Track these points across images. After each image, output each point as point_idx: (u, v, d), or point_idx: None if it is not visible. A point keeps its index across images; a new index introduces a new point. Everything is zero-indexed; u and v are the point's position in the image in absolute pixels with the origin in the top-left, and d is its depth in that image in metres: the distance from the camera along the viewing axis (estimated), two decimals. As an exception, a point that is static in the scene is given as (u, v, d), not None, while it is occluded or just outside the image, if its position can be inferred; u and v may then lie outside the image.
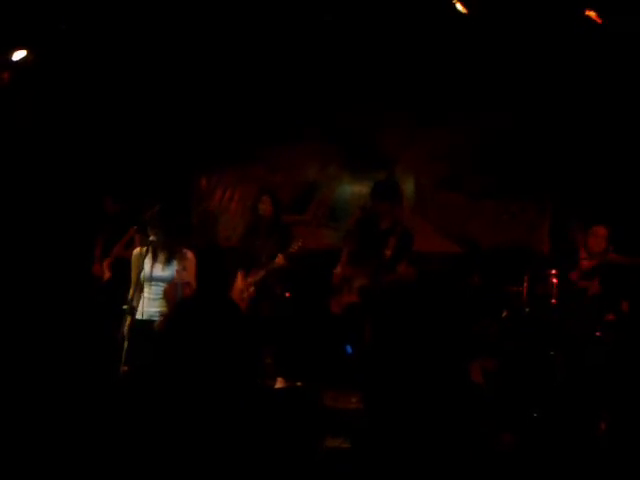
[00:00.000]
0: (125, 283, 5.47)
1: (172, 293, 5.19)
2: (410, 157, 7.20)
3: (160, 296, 5.26)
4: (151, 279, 5.26)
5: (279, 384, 5.89)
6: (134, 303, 5.25)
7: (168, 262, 5.28)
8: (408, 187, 7.04)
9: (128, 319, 5.19)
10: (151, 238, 5.28)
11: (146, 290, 5.28)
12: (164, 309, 5.23)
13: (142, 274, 5.22)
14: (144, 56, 6.76)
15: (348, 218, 6.78)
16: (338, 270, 5.86)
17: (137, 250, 5.38)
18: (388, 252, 5.67)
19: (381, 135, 7.24)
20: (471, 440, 4.98)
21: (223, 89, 7.10)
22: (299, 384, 5.85)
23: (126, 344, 5.05)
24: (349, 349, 5.72)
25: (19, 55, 6.48)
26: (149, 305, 5.25)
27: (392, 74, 6.82)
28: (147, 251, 5.27)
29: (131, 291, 5.28)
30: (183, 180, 7.39)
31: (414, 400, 5.24)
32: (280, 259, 5.99)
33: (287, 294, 6.26)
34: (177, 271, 5.25)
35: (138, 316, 5.21)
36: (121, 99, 7.02)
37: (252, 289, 6.08)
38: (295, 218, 7.07)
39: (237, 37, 6.53)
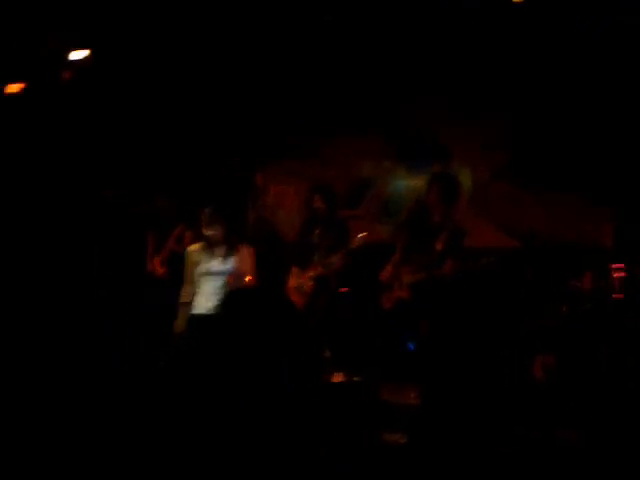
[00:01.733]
0: (179, 278, 5.52)
1: (235, 284, 5.24)
2: (466, 150, 7.09)
3: (219, 290, 5.28)
4: (209, 273, 5.28)
5: (337, 379, 5.88)
6: (190, 298, 5.30)
7: (226, 256, 5.30)
8: (465, 181, 6.79)
9: (183, 314, 5.24)
10: (209, 233, 5.32)
11: (205, 285, 5.30)
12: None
13: (199, 269, 5.26)
14: (197, 53, 6.80)
15: (401, 213, 6.66)
16: (389, 266, 5.80)
17: (192, 246, 5.41)
18: (439, 246, 5.59)
19: (437, 128, 7.15)
20: (530, 436, 4.96)
21: (276, 84, 7.10)
22: (357, 379, 5.82)
23: (180, 339, 5.15)
24: (411, 346, 5.67)
25: (79, 55, 6.55)
26: (208, 299, 5.27)
27: (445, 65, 6.77)
28: (204, 247, 5.32)
29: (186, 287, 5.32)
30: (239, 175, 7.37)
31: (472, 395, 5.26)
32: (342, 254, 5.96)
33: (343, 289, 6.23)
34: (236, 263, 5.29)
35: (197, 310, 5.26)
36: (176, 95, 7.06)
37: (310, 284, 6.04)
38: (348, 213, 6.98)
39: (292, 28, 6.55)
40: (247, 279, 5.22)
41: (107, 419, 4.78)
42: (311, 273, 6.08)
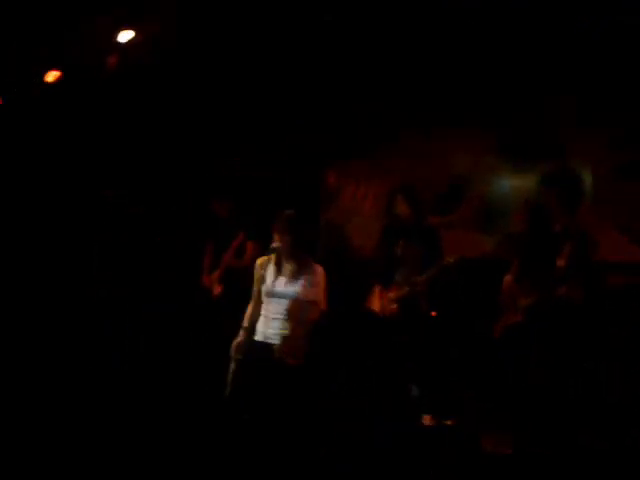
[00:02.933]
0: (237, 297, 5.13)
1: (297, 312, 4.65)
2: (586, 143, 6.39)
3: (280, 316, 4.68)
4: (272, 295, 4.71)
5: (426, 422, 5.46)
6: (250, 321, 4.80)
7: (294, 276, 4.72)
8: (585, 181, 6.23)
9: (241, 338, 4.78)
10: (274, 245, 4.78)
11: (267, 307, 4.74)
12: (285, 331, 4.65)
13: (264, 288, 4.72)
14: (253, 46, 6.47)
15: (506, 220, 6.16)
16: (506, 282, 5.27)
17: (260, 259, 4.87)
18: (562, 262, 5.01)
19: (551, 118, 6.49)
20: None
21: (357, 65, 6.63)
22: (450, 422, 5.41)
23: (233, 366, 4.71)
24: None
25: (126, 36, 6.17)
26: (266, 325, 4.70)
27: (562, 53, 6.18)
28: (269, 261, 4.77)
29: (250, 307, 4.82)
30: (309, 175, 7.03)
31: (585, 443, 4.77)
32: (432, 271, 5.54)
33: (434, 313, 5.69)
34: (303, 286, 4.67)
35: (256, 337, 4.73)
36: (238, 91, 6.78)
37: (394, 307, 5.60)
38: (440, 220, 6.47)
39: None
40: (314, 305, 4.69)
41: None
42: (393, 294, 5.66)
